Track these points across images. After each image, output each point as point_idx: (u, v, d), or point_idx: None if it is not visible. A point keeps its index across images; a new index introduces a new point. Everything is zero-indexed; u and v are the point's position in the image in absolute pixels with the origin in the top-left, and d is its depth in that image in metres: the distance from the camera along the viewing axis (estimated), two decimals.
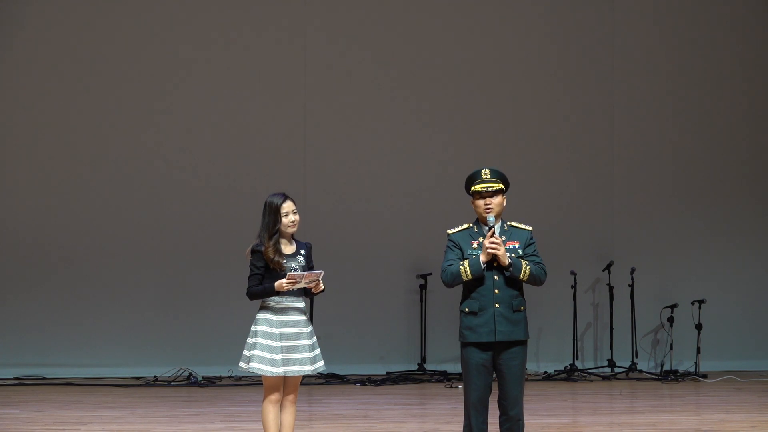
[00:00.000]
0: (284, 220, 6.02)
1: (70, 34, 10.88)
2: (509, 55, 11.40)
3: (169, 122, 11.00)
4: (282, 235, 6.06)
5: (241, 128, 11.08)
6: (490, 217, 5.71)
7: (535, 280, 5.73)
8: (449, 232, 5.82)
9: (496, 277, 5.67)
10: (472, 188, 5.76)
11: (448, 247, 5.77)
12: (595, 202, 11.52)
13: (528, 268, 5.68)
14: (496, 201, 5.73)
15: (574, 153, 11.52)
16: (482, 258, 5.65)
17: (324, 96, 11.17)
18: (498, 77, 11.39)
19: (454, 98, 11.33)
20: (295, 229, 6.08)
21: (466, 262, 5.66)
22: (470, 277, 5.64)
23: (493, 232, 5.68)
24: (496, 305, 5.65)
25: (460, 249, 5.74)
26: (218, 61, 11.05)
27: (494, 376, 5.74)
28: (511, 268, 5.64)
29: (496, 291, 5.67)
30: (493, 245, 5.62)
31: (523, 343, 5.72)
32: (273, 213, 6.01)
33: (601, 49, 11.49)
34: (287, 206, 6.05)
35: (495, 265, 5.66)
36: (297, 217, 6.07)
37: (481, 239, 5.74)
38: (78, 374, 10.63)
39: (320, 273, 5.92)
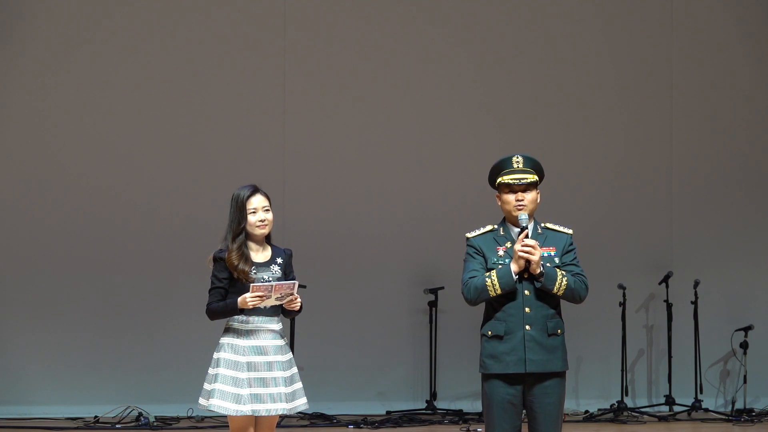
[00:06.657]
0: (251, 218, 6.07)
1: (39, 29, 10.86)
2: (537, 32, 11.44)
3: (122, 119, 10.95)
4: (251, 237, 6.09)
5: (208, 121, 11.04)
6: (523, 216, 5.74)
7: (573, 295, 5.74)
8: (469, 235, 5.87)
9: (526, 291, 5.71)
10: (499, 180, 5.78)
11: (468, 254, 5.82)
12: (649, 197, 11.48)
13: (565, 279, 5.71)
14: (530, 197, 5.77)
15: (621, 135, 11.51)
16: (513, 268, 5.67)
17: (310, 85, 11.15)
18: (523, 56, 11.40)
19: (470, 82, 11.32)
20: (266, 231, 6.10)
21: (493, 273, 5.70)
22: (499, 292, 5.68)
23: (527, 234, 5.70)
24: (527, 327, 5.66)
25: (484, 256, 5.77)
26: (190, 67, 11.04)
27: (524, 416, 5.74)
28: (542, 278, 5.66)
29: (527, 309, 5.67)
30: (526, 249, 5.62)
31: (560, 375, 5.74)
32: (238, 209, 6.07)
33: (659, 25, 11.49)
34: (256, 201, 6.07)
35: (526, 276, 5.70)
36: (269, 216, 6.10)
37: (508, 244, 5.77)
38: None
39: (293, 284, 5.90)
